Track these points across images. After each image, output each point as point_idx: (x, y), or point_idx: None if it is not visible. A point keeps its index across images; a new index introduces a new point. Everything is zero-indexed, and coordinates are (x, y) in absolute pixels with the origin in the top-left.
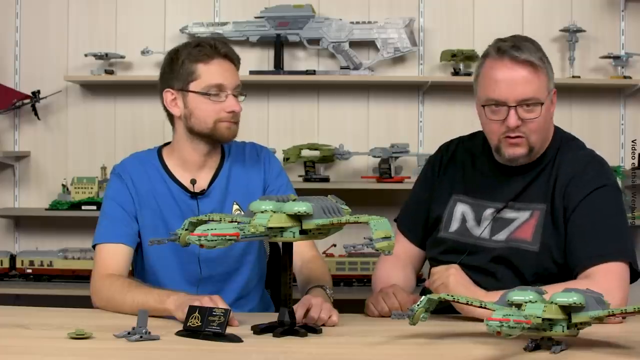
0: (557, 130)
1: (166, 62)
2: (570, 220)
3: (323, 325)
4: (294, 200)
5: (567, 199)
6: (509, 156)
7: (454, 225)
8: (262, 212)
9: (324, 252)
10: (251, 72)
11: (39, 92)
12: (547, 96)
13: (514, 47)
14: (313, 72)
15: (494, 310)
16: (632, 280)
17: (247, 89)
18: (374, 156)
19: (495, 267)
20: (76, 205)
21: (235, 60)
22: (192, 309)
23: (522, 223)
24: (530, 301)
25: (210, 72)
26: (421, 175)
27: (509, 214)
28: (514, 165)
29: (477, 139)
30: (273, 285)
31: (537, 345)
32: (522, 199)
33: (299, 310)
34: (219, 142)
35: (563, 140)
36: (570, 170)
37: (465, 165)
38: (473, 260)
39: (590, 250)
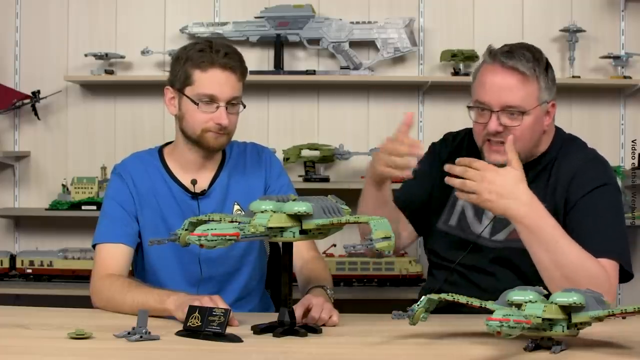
0: (559, 131)
1: (173, 58)
2: (569, 216)
3: (323, 325)
4: (294, 200)
5: (569, 193)
6: (489, 162)
7: (454, 219)
8: (262, 212)
9: (324, 252)
10: (251, 72)
11: (39, 92)
12: (536, 107)
13: (505, 53)
14: (313, 72)
15: (494, 311)
16: (625, 280)
17: (247, 89)
18: None
19: (495, 268)
20: (76, 205)
21: (236, 71)
22: (192, 309)
23: None
24: (530, 301)
25: (204, 81)
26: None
27: None
28: None
29: None
30: (273, 285)
31: (537, 345)
32: None
33: (298, 310)
34: (207, 150)
35: (565, 141)
36: (573, 167)
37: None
38: (473, 260)
39: (581, 246)
